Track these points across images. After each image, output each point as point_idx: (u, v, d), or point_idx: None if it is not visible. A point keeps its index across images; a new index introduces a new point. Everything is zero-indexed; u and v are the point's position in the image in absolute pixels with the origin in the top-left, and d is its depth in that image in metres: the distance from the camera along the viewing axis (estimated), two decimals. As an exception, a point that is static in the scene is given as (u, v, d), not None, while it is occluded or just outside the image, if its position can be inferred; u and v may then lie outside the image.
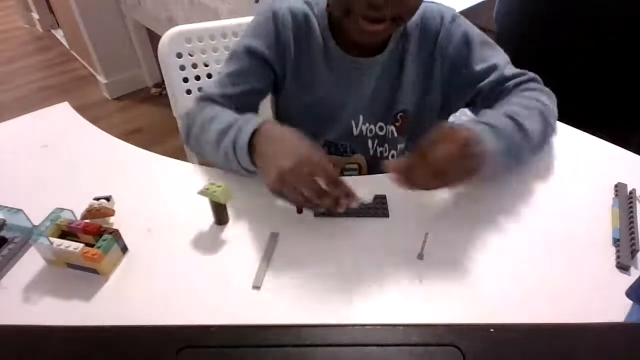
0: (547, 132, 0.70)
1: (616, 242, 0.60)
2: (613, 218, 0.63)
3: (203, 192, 0.61)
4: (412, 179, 0.58)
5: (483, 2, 1.43)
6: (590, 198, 0.67)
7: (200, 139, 0.71)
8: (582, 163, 0.74)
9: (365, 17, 0.65)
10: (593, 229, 0.62)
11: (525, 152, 0.67)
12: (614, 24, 0.94)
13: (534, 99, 0.70)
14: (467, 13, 1.28)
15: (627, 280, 0.54)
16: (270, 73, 0.78)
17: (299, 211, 0.65)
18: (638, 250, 0.58)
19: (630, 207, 0.64)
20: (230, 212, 0.64)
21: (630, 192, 0.66)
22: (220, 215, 0.63)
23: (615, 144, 0.76)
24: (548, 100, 0.72)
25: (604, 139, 0.78)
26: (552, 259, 0.58)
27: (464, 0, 1.39)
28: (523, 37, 1.09)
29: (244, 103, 0.73)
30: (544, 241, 0.61)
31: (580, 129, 0.80)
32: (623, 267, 0.57)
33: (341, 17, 0.68)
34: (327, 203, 0.58)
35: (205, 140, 0.69)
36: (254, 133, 0.62)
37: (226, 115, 0.69)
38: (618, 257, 0.58)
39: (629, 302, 0.49)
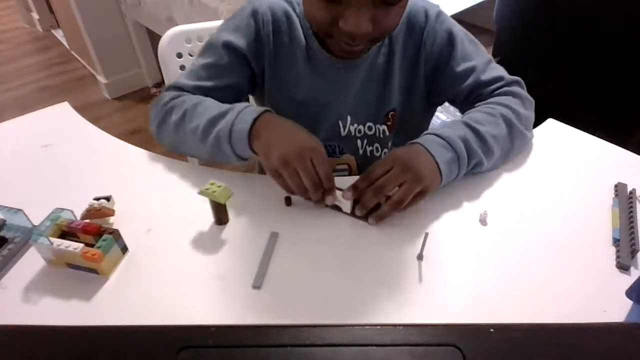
0: (514, 137, 0.70)
1: (616, 242, 0.60)
2: (613, 218, 0.63)
3: (203, 192, 0.61)
4: (363, 202, 0.62)
5: (483, 2, 1.43)
6: (590, 198, 0.67)
7: (182, 126, 0.70)
8: (582, 163, 0.74)
9: (346, 42, 0.66)
10: (593, 229, 0.62)
11: (485, 158, 0.67)
12: (613, 24, 0.94)
13: (502, 105, 0.71)
14: (467, 13, 1.29)
15: (627, 280, 0.54)
16: (247, 70, 0.77)
17: (288, 202, 0.66)
18: (638, 250, 0.58)
19: (630, 207, 0.64)
20: (230, 212, 0.64)
21: (630, 192, 0.66)
22: (220, 215, 0.63)
23: (615, 143, 0.76)
24: (519, 105, 0.72)
25: (604, 139, 0.78)
26: (552, 259, 0.58)
27: (464, 0, 1.40)
28: (523, 37, 1.09)
29: (218, 98, 0.72)
30: (544, 241, 0.61)
31: (580, 129, 0.80)
32: (623, 267, 0.57)
33: (324, 37, 0.70)
34: (317, 196, 0.61)
35: (188, 127, 0.69)
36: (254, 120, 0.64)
37: (215, 103, 0.70)
38: (618, 257, 0.58)
39: (629, 302, 0.49)
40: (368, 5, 0.60)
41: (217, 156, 0.69)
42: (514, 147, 0.72)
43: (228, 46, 0.74)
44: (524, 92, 0.76)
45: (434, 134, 0.66)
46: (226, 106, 0.68)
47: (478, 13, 1.45)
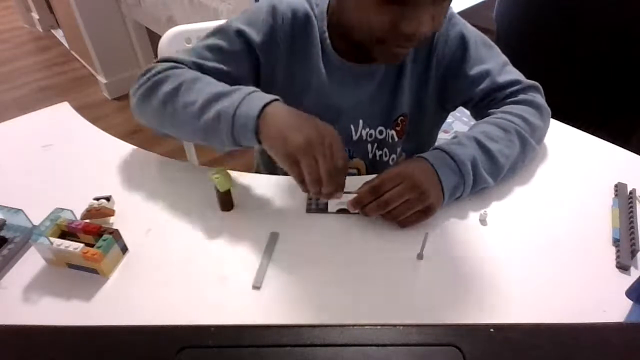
0: (526, 151, 0.69)
1: (616, 242, 0.60)
2: (613, 218, 0.63)
3: (210, 177, 0.62)
4: (365, 211, 0.62)
5: (483, 2, 1.43)
6: (590, 198, 0.67)
7: (175, 99, 0.63)
8: (582, 163, 0.74)
9: (399, 46, 0.64)
10: (593, 229, 0.62)
11: (493, 180, 0.66)
12: (613, 24, 0.94)
13: (518, 117, 0.69)
14: (467, 13, 1.29)
15: (627, 280, 0.54)
16: (252, 64, 0.72)
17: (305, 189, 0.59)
18: (638, 250, 0.58)
19: (630, 207, 0.64)
20: (230, 212, 0.64)
21: (630, 192, 0.66)
22: (221, 202, 0.64)
23: (615, 143, 0.76)
24: (535, 116, 0.70)
25: (604, 139, 0.78)
26: (552, 259, 0.58)
27: (464, 0, 1.40)
28: (523, 37, 1.09)
29: None
30: (544, 241, 0.61)
31: (580, 129, 0.80)
32: (623, 267, 0.57)
33: (371, 44, 0.65)
34: (329, 188, 0.56)
35: (181, 100, 0.63)
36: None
37: (218, 82, 0.65)
38: (618, 257, 0.58)
39: (629, 302, 0.49)
40: (428, 3, 0.59)
41: (208, 136, 0.63)
42: (524, 163, 0.71)
43: (241, 34, 0.70)
44: (541, 100, 0.73)
45: (445, 152, 0.64)
46: (227, 87, 0.63)
47: (478, 13, 1.45)
